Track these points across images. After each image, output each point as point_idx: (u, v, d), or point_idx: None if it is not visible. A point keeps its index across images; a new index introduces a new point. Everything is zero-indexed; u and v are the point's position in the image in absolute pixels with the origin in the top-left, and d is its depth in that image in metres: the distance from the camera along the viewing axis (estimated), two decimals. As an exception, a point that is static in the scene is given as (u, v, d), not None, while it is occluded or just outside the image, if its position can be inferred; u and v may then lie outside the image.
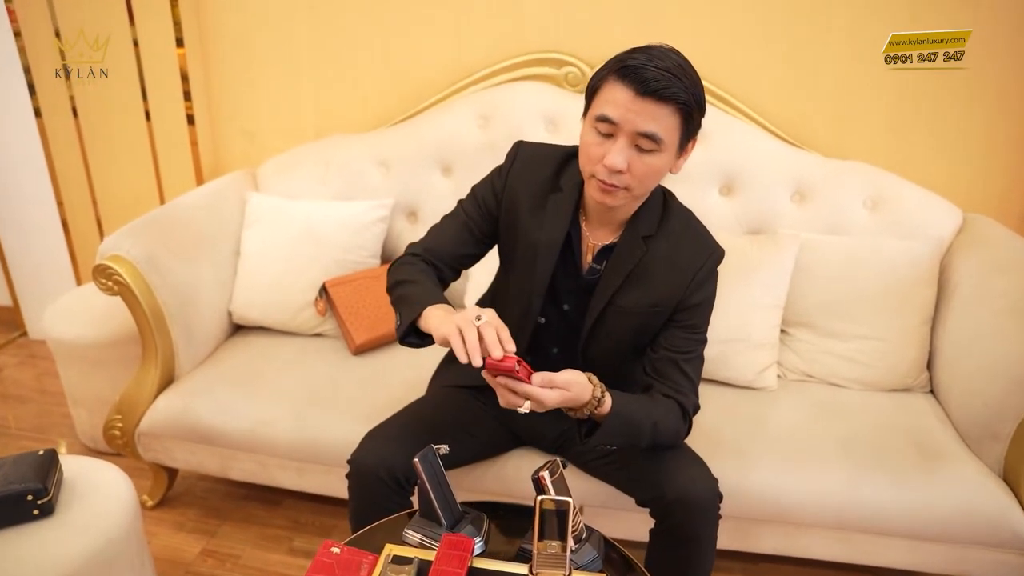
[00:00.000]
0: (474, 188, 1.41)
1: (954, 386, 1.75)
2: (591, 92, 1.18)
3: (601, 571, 1.10)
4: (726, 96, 2.05)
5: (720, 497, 1.31)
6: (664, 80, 1.08)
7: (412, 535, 1.14)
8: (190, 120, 2.47)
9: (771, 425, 1.71)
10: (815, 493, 1.56)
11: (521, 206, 1.34)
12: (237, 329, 2.17)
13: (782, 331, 1.91)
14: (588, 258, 1.33)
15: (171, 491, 2.10)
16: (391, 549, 1.10)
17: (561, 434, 1.52)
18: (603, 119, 1.13)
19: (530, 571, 0.99)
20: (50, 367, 2.70)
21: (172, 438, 1.86)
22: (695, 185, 2.02)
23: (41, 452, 1.45)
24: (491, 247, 1.43)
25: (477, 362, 1.02)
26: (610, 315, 1.31)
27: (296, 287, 2.06)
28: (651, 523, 1.35)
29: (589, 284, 1.33)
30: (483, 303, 1.58)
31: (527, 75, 2.15)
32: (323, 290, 2.03)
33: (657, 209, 1.31)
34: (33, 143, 2.69)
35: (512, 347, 1.06)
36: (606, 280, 1.30)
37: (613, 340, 1.35)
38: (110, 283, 1.81)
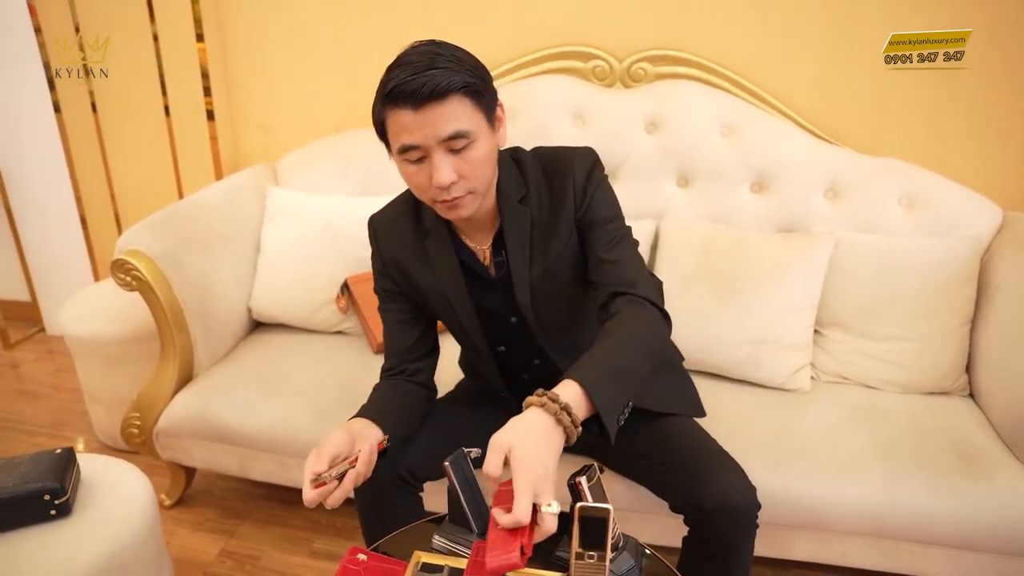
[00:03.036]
0: (375, 288, 1.39)
1: (996, 390, 1.68)
2: (380, 130, 1.13)
3: (640, 581, 1.05)
4: (757, 90, 1.99)
5: (758, 506, 1.26)
6: (430, 80, 1.02)
7: (441, 541, 1.10)
8: (210, 116, 2.44)
9: (805, 428, 1.65)
10: (852, 498, 1.50)
11: (409, 269, 1.31)
12: (257, 326, 2.14)
13: (815, 331, 1.85)
14: (489, 263, 1.29)
15: (189, 490, 2.07)
16: (420, 556, 1.06)
17: (593, 431, 1.45)
18: (406, 149, 1.08)
19: (567, 581, 0.95)
20: (68, 363, 2.68)
21: (190, 437, 1.83)
22: (725, 182, 1.97)
23: (59, 451, 1.43)
24: (430, 317, 1.39)
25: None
26: (542, 286, 1.27)
27: (317, 283, 2.02)
28: (683, 529, 1.30)
29: (507, 278, 1.28)
30: (462, 364, 1.59)
31: (553, 68, 2.10)
32: (345, 286, 1.99)
33: (513, 171, 1.25)
34: (52, 139, 2.69)
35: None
36: (515, 259, 1.25)
37: (559, 306, 1.30)
38: (128, 278, 1.79)
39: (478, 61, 1.11)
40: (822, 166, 1.93)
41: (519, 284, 1.26)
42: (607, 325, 1.12)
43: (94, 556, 1.31)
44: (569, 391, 0.98)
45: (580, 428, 0.97)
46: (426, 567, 1.04)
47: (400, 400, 1.31)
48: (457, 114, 1.06)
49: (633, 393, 1.06)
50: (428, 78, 1.02)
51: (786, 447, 1.58)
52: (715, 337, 1.79)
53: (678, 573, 1.11)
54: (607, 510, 0.92)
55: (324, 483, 1.04)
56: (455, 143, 1.07)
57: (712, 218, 1.98)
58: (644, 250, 1.92)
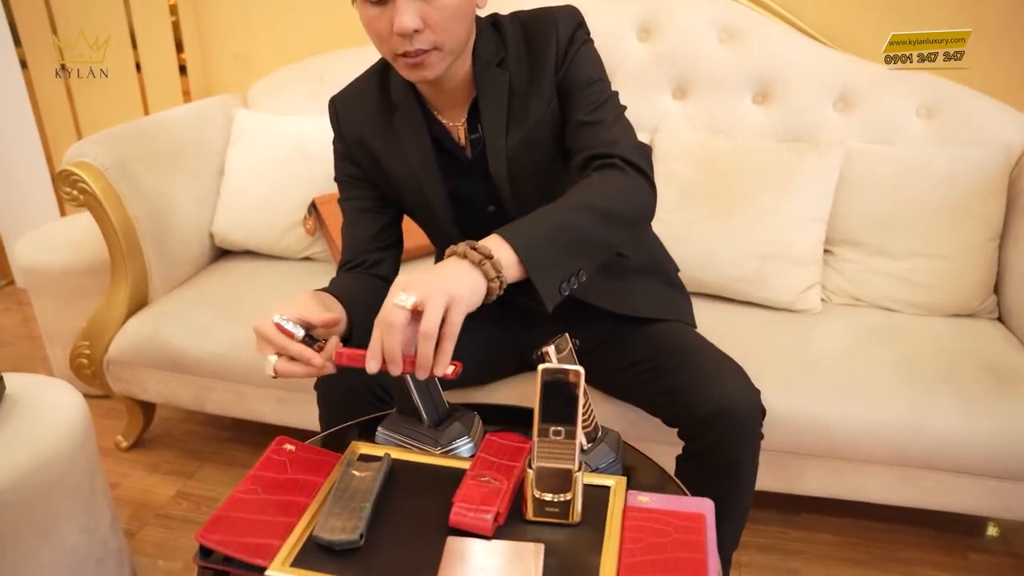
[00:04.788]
0: (335, 177, 1.24)
1: (1029, 309, 1.51)
2: None
3: (623, 474, 0.89)
4: None
5: (763, 412, 1.09)
6: None
7: (385, 434, 0.94)
8: (179, 47, 2.29)
9: (817, 349, 1.49)
10: (871, 422, 1.33)
11: (375, 149, 1.16)
12: (222, 254, 1.99)
13: (825, 250, 1.68)
14: (464, 142, 1.14)
15: (148, 433, 1.92)
16: (358, 447, 0.90)
17: (576, 344, 1.29)
18: None
19: (528, 464, 0.78)
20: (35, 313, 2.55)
21: (142, 366, 1.68)
22: (725, 92, 1.80)
23: (-21, 361, 1.27)
24: (397, 208, 1.23)
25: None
26: (520, 157, 1.11)
27: (284, 206, 1.87)
28: (680, 452, 1.13)
29: (484, 159, 1.12)
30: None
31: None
32: (312, 207, 1.83)
33: (491, 36, 1.11)
34: (18, 94, 2.54)
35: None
36: (490, 126, 1.10)
37: (539, 182, 1.13)
38: (74, 191, 1.64)
39: None
40: (832, 74, 1.76)
41: (494, 154, 1.10)
42: (571, 189, 0.96)
43: (11, 469, 1.16)
44: (494, 244, 0.85)
45: (503, 283, 0.83)
46: (364, 458, 0.88)
47: (364, 291, 1.14)
48: None
49: (587, 261, 0.91)
50: None
51: (796, 367, 1.42)
52: (716, 253, 1.62)
53: (665, 470, 0.94)
54: (577, 372, 0.76)
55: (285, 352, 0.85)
56: None
57: (711, 132, 1.81)
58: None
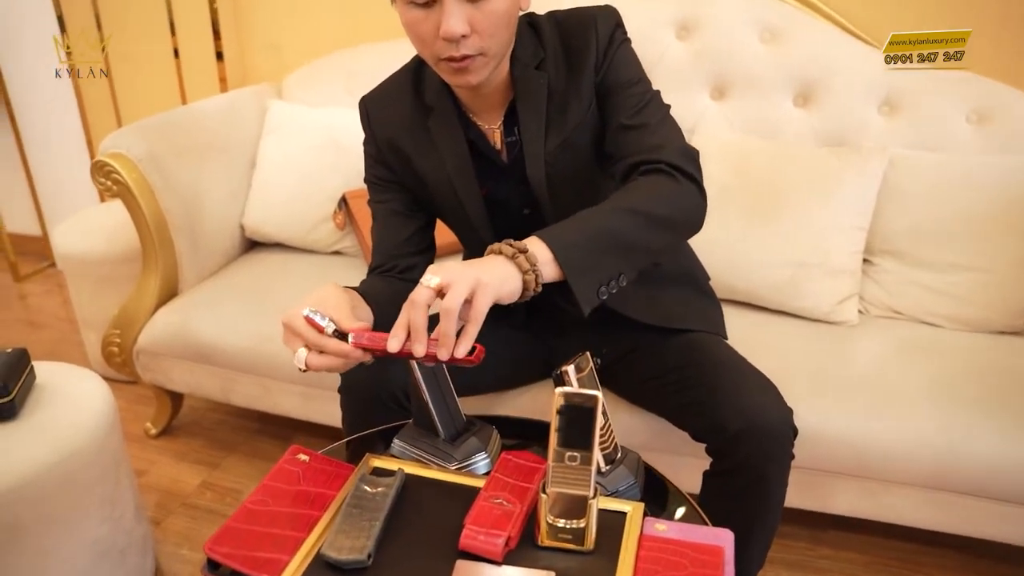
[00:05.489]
0: (365, 179, 1.21)
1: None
2: None
3: (640, 500, 0.86)
4: None
5: (794, 431, 1.06)
6: None
7: (401, 446, 0.93)
8: (216, 35, 2.29)
9: (852, 362, 1.44)
10: (905, 442, 1.28)
11: (408, 152, 1.13)
12: (252, 246, 2.00)
13: (864, 260, 1.62)
14: (500, 146, 1.11)
15: (177, 420, 1.95)
16: (371, 460, 0.89)
17: (604, 353, 1.25)
18: None
19: (542, 489, 0.76)
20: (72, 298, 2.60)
21: (171, 356, 1.70)
22: (765, 93, 1.74)
23: (10, 350, 1.29)
24: (428, 212, 1.21)
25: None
26: (558, 161, 1.08)
27: (314, 200, 1.87)
28: (707, 467, 1.10)
29: (520, 163, 1.10)
30: None
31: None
32: (343, 201, 1.83)
33: (530, 37, 1.08)
34: (63, 79, 2.58)
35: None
36: (528, 130, 1.07)
37: (577, 187, 1.11)
38: (108, 182, 1.66)
39: None
40: (878, 76, 1.69)
41: (532, 158, 1.08)
42: (614, 193, 0.94)
43: (35, 461, 1.18)
44: (531, 243, 0.84)
45: (540, 282, 0.82)
46: (378, 471, 0.86)
47: (393, 295, 1.13)
48: None
49: (628, 265, 0.88)
50: None
51: (829, 381, 1.38)
52: (750, 259, 1.58)
53: (687, 496, 0.92)
54: (595, 397, 0.73)
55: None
56: None
57: (750, 133, 1.76)
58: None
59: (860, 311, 1.60)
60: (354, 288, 1.04)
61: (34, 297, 2.78)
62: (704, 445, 1.10)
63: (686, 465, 1.25)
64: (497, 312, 1.27)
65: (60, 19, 2.49)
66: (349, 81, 2.02)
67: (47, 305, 2.70)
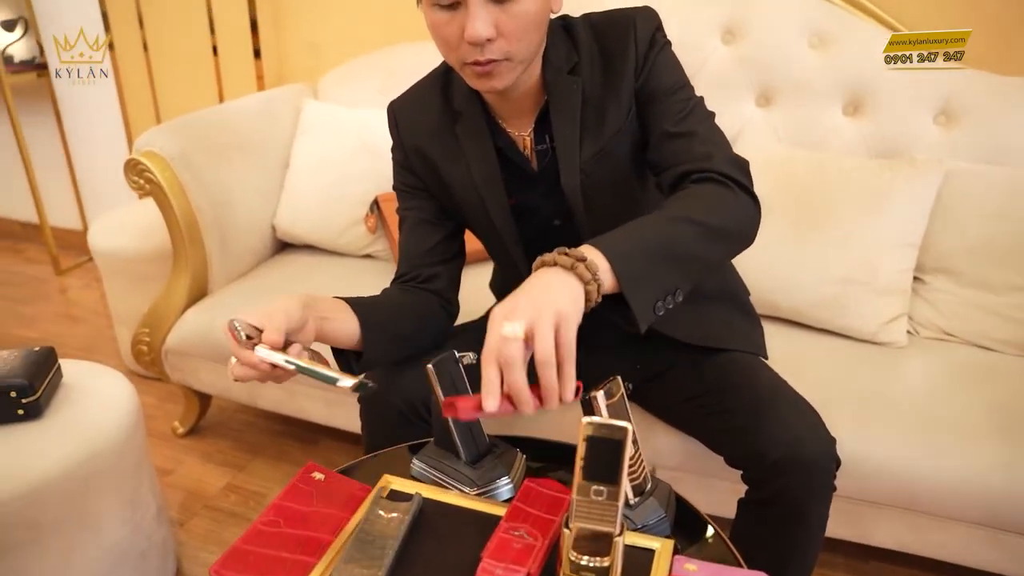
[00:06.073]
0: (393, 185, 1.18)
1: None
2: None
3: (669, 536, 0.81)
4: None
5: (837, 463, 0.99)
6: None
7: (420, 467, 0.89)
8: (254, 27, 2.29)
9: (900, 386, 1.36)
10: (958, 475, 1.20)
11: (435, 159, 1.09)
12: (283, 248, 1.99)
13: (915, 278, 1.54)
14: (530, 153, 1.06)
15: (204, 420, 1.94)
16: (389, 481, 0.85)
17: (639, 370, 1.21)
18: None
19: (566, 524, 0.72)
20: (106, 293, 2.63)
21: (198, 357, 1.69)
22: (813, 100, 1.67)
23: (37, 349, 1.29)
24: (456, 221, 1.16)
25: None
26: (594, 171, 1.03)
27: (347, 202, 1.84)
28: (742, 493, 1.05)
29: (550, 171, 1.05)
30: (494, 286, 1.37)
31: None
32: (375, 204, 1.80)
33: (563, 40, 1.02)
34: (105, 64, 2.61)
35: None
36: (562, 138, 1.02)
37: (614, 200, 1.06)
38: (141, 180, 1.65)
39: None
40: (934, 84, 1.60)
41: (567, 168, 1.03)
42: (665, 201, 0.89)
43: (59, 461, 1.17)
44: (590, 253, 0.76)
45: (601, 292, 0.75)
46: (394, 495, 0.83)
47: (404, 303, 1.09)
48: None
49: (684, 279, 0.82)
50: None
51: (875, 406, 1.30)
52: (793, 275, 1.51)
53: (719, 530, 0.86)
54: (624, 429, 0.68)
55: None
56: None
57: (796, 143, 1.68)
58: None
59: (909, 332, 1.52)
60: (344, 298, 1.00)
61: (74, 291, 2.81)
62: (740, 472, 1.04)
63: (721, 489, 1.20)
64: None
65: (104, 16, 2.52)
66: (386, 81, 1.99)
67: (85, 299, 2.74)
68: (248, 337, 0.80)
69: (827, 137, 1.67)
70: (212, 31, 2.38)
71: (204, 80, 2.46)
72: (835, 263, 1.48)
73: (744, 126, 1.72)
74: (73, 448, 1.20)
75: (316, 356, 0.87)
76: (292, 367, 0.79)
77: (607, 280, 0.75)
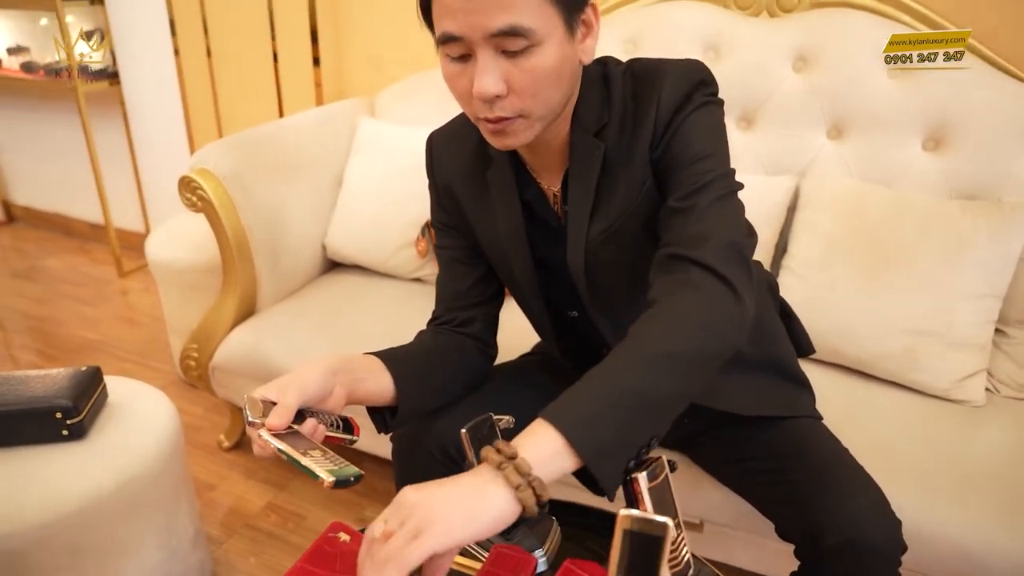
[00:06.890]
0: (431, 221, 1.14)
1: None
2: (425, 10, 0.83)
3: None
4: (933, 17, 1.56)
5: (903, 548, 0.91)
6: None
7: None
8: (314, 38, 2.29)
9: (974, 452, 1.26)
10: (1036, 555, 1.10)
11: (463, 202, 1.04)
12: (333, 267, 1.98)
13: (998, 330, 1.43)
14: (558, 207, 0.99)
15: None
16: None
17: (685, 423, 1.11)
18: (446, 39, 0.79)
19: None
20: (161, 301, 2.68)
21: (243, 375, 1.69)
22: (891, 133, 1.56)
23: (84, 368, 1.30)
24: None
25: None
26: (601, 249, 0.95)
27: (398, 224, 1.82)
28: (794, 562, 0.97)
29: None
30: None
31: (687, -9, 1.76)
32: (426, 228, 1.77)
33: (598, 92, 0.92)
34: (171, 80, 2.67)
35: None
36: (573, 209, 0.94)
37: (622, 278, 0.98)
38: (194, 197, 1.66)
39: None
40: (1026, 121, 1.49)
41: (573, 242, 0.96)
42: (632, 327, 0.77)
43: (102, 484, 1.18)
44: (543, 440, 0.67)
45: (541, 494, 0.65)
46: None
47: (439, 350, 1.05)
48: (519, 2, 0.76)
49: (660, 424, 0.72)
50: None
51: (946, 473, 1.20)
52: (860, 322, 1.41)
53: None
54: (664, 525, 0.62)
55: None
56: (509, 42, 0.77)
57: (870, 178, 1.58)
58: (779, 212, 1.56)
59: (988, 390, 1.41)
60: (375, 353, 0.96)
61: (134, 294, 2.88)
62: (792, 545, 0.96)
63: (775, 552, 1.13)
64: (548, 375, 1.16)
65: (171, 23, 2.57)
66: (442, 100, 1.94)
67: (144, 303, 2.80)
68: (264, 413, 0.77)
69: (903, 173, 1.56)
70: (273, 37, 2.39)
71: (264, 86, 2.48)
72: (907, 312, 1.39)
73: (813, 159, 1.63)
74: (114, 471, 1.20)
75: (346, 423, 0.85)
76: (285, 458, 0.75)
77: (559, 464, 0.67)
